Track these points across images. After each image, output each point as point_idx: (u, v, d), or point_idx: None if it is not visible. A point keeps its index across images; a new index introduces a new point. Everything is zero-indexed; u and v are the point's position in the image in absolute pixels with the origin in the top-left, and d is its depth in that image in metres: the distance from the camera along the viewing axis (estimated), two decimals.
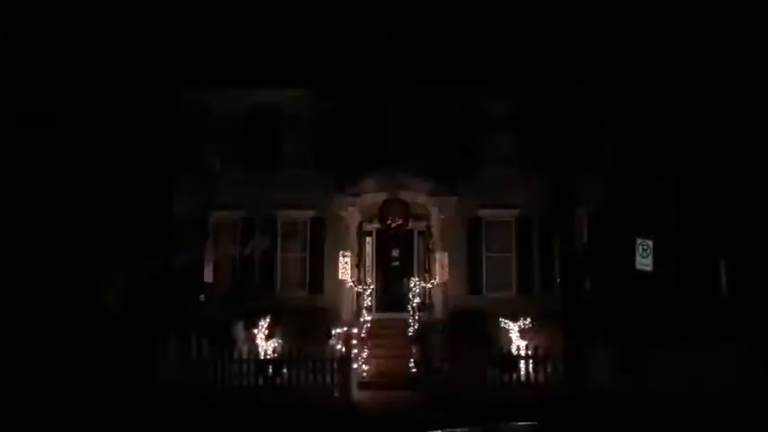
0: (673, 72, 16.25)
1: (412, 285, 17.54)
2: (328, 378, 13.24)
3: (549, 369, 13.32)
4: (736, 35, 16.35)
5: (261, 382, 13.54)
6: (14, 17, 17.20)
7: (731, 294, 15.44)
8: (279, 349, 15.86)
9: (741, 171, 17.87)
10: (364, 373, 15.30)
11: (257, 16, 19.00)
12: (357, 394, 13.87)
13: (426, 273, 18.05)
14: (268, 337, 16.21)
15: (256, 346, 15.73)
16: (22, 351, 13.84)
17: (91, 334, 14.27)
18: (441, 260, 17.51)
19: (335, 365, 13.36)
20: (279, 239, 18.89)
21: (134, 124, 18.66)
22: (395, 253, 19.02)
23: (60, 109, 17.64)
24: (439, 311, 17.23)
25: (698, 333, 13.99)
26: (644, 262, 14.05)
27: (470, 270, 18.44)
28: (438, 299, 17.42)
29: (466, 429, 10.70)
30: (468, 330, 15.86)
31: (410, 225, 18.25)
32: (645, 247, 14.03)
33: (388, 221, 17.86)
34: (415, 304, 17.07)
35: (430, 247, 18.19)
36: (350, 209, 17.92)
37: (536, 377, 13.39)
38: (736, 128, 16.98)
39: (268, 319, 16.30)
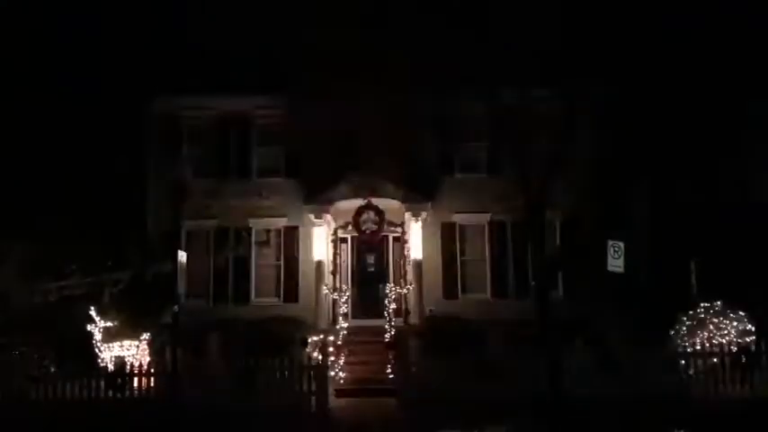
0: (643, 76, 16.48)
1: (387, 291, 17.48)
2: (305, 386, 13.03)
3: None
4: (706, 39, 16.69)
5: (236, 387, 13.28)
6: None
7: (701, 294, 15.64)
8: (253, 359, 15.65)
9: (711, 172, 18.21)
10: (341, 380, 15.20)
11: (227, 25, 18.91)
12: (333, 402, 13.76)
13: (402, 278, 18.03)
14: (242, 347, 15.99)
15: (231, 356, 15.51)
16: None
17: None
18: (416, 265, 17.53)
19: (311, 373, 13.15)
20: (252, 248, 18.77)
21: (105, 134, 18.47)
22: (370, 259, 19.03)
23: (30, 117, 17.40)
24: (415, 317, 17.22)
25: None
26: (615, 263, 14.12)
27: (445, 275, 18.47)
28: (414, 304, 17.41)
29: None
30: (444, 335, 15.83)
31: (384, 231, 18.21)
32: (616, 249, 14.11)
33: (363, 228, 17.79)
34: (390, 310, 17.03)
35: (405, 252, 18.20)
36: (324, 216, 17.87)
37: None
38: (706, 128, 17.31)
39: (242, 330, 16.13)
